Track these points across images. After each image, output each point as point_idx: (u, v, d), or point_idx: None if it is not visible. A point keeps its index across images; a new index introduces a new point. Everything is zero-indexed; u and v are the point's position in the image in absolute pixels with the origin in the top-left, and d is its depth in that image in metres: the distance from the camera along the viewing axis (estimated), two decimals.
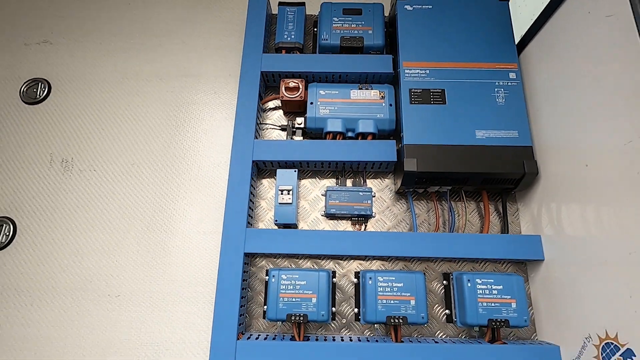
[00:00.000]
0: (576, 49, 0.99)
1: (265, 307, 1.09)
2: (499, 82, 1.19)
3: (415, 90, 1.19)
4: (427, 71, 1.22)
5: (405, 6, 1.30)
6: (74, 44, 1.55)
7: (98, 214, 1.31)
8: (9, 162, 1.38)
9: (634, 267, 0.78)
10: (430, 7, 1.29)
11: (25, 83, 1.49)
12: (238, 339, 1.03)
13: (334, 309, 1.12)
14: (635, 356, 0.78)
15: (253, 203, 1.24)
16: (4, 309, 1.21)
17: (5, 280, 1.24)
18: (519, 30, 1.30)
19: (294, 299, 1.06)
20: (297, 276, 1.08)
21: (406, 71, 1.22)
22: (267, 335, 1.10)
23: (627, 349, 0.79)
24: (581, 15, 0.96)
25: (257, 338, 1.06)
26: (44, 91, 1.47)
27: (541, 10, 1.13)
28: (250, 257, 1.20)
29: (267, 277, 1.11)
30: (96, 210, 1.32)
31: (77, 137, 1.41)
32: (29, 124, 1.43)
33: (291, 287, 1.07)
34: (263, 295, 1.16)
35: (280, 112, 1.39)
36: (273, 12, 1.49)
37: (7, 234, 1.29)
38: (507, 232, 1.20)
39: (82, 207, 1.32)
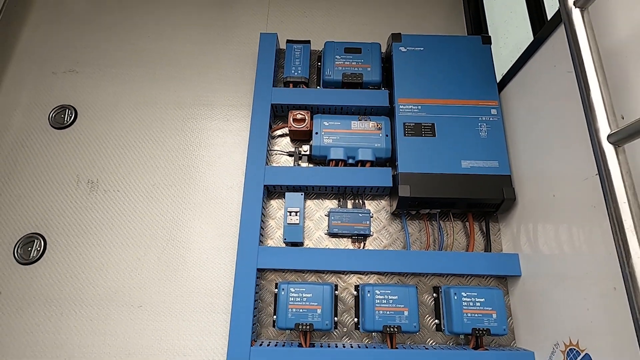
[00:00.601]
0: (545, 94, 1.16)
1: (275, 316, 1.23)
2: (482, 118, 1.36)
3: (409, 124, 1.35)
4: (419, 107, 1.38)
5: (400, 48, 1.46)
6: (98, 73, 1.70)
7: (122, 231, 1.44)
8: (39, 182, 1.51)
9: (590, 284, 0.94)
10: (422, 49, 1.46)
11: (53, 109, 1.63)
12: (251, 345, 1.16)
13: (336, 318, 1.26)
14: None
15: (264, 222, 1.39)
16: (36, 317, 1.33)
17: (37, 292, 1.36)
18: (500, 69, 1.47)
19: (301, 310, 1.20)
20: (304, 289, 1.22)
21: (401, 106, 1.38)
22: (277, 342, 1.23)
23: (586, 354, 0.94)
24: (549, 66, 1.12)
25: (268, 345, 1.19)
26: (71, 117, 1.61)
27: (517, 57, 1.30)
28: (261, 272, 1.33)
29: (276, 290, 1.25)
30: (120, 227, 1.45)
31: (102, 160, 1.55)
32: (57, 148, 1.57)
33: (299, 299, 1.21)
34: (273, 306, 1.30)
35: (288, 139, 1.54)
36: (281, 47, 1.65)
37: (38, 249, 1.41)
38: (490, 250, 1.35)
39: (107, 224, 1.45)
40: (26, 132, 1.59)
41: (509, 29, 1.54)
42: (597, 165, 0.70)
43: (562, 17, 0.79)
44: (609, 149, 0.68)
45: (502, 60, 1.54)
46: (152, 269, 1.39)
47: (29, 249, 1.41)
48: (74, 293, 1.36)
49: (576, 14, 0.77)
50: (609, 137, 0.68)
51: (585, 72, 0.73)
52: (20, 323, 1.32)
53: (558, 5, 1.07)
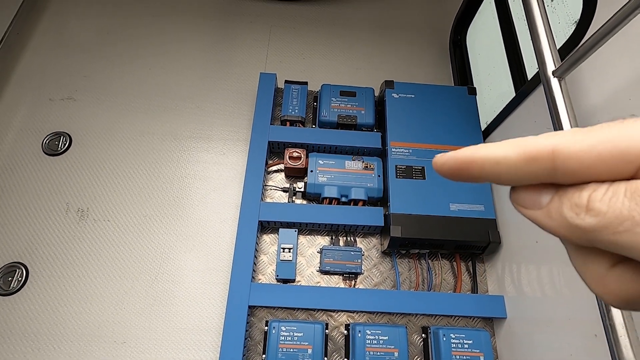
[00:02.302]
0: None
1: (264, 356, 1.21)
2: None
3: (400, 166, 1.42)
4: (410, 150, 1.45)
5: (393, 94, 1.56)
6: (96, 102, 1.72)
7: (109, 262, 1.41)
8: (26, 209, 1.48)
9: (572, 330, 0.98)
10: (412, 96, 1.56)
11: (47, 136, 1.62)
12: None
13: (326, 359, 1.25)
14: None
15: (256, 258, 1.39)
16: (10, 353, 1.26)
17: (14, 325, 1.30)
18: (484, 117, 1.57)
19: (292, 350, 1.19)
20: (295, 328, 1.22)
21: (393, 149, 1.45)
22: None
23: None
24: (529, 122, 1.22)
25: None
26: (65, 144, 1.61)
27: (501, 107, 1.41)
28: (251, 309, 1.32)
29: (266, 328, 1.24)
30: (107, 258, 1.42)
31: (94, 188, 1.54)
32: (49, 174, 1.55)
33: (289, 338, 1.20)
34: (262, 345, 1.28)
35: (282, 174, 1.58)
36: (279, 86, 1.72)
37: (20, 279, 1.36)
38: (477, 291, 1.39)
39: (94, 255, 1.42)
40: (17, 157, 1.58)
41: (492, 81, 1.67)
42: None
43: (543, 84, 0.88)
44: None
45: (487, 108, 1.65)
46: (138, 303, 1.36)
47: (9, 278, 1.36)
48: (54, 327, 1.31)
49: (554, 82, 0.86)
50: None
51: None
52: None
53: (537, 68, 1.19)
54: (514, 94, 1.35)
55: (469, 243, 1.33)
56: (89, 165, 1.58)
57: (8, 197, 1.50)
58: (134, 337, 1.31)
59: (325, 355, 1.25)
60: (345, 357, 1.27)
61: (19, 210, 1.48)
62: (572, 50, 1.02)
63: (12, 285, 1.35)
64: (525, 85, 1.27)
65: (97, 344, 1.29)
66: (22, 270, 1.38)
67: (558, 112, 0.84)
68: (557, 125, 0.83)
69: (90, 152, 1.61)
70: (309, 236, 1.47)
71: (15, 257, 1.40)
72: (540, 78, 0.90)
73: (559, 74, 0.86)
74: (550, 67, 0.88)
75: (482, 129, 1.53)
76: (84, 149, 1.61)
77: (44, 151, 1.59)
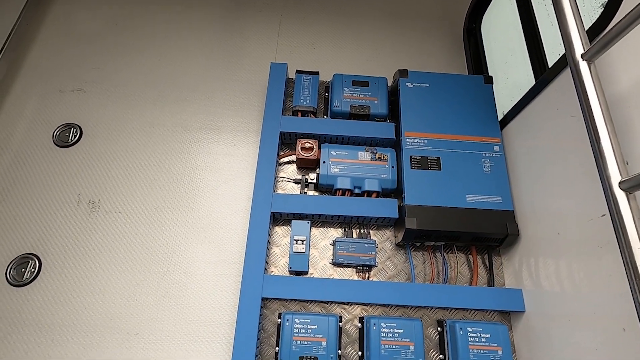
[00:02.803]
0: (547, 134, 1.21)
1: (278, 348, 1.20)
2: (485, 154, 1.40)
3: (415, 157, 1.39)
4: (425, 141, 1.42)
5: (407, 83, 1.52)
6: (106, 94, 1.70)
7: (121, 254, 1.41)
8: (38, 200, 1.48)
9: (598, 324, 0.95)
10: (427, 85, 1.52)
11: (58, 127, 1.61)
12: None
13: (340, 351, 1.24)
14: None
15: (268, 250, 1.37)
16: (25, 344, 1.27)
17: (28, 316, 1.30)
18: (501, 107, 1.53)
19: (305, 342, 1.17)
20: (308, 320, 1.20)
21: (407, 140, 1.41)
22: None
23: None
24: (552, 109, 1.18)
25: None
26: (75, 135, 1.60)
27: (519, 97, 1.36)
28: (264, 301, 1.31)
29: (279, 320, 1.23)
30: (119, 250, 1.42)
31: (105, 180, 1.53)
32: (60, 166, 1.54)
33: (303, 331, 1.19)
34: (275, 337, 1.27)
35: (294, 166, 1.55)
36: (290, 77, 1.69)
37: (33, 270, 1.36)
38: (493, 284, 1.36)
39: (106, 246, 1.42)
40: (28, 148, 1.57)
41: (509, 70, 1.62)
42: (609, 211, 0.73)
43: (570, 68, 0.84)
44: (620, 196, 0.71)
45: (503, 98, 1.60)
46: (150, 295, 1.35)
47: (23, 270, 1.36)
48: (67, 318, 1.31)
49: (584, 66, 0.82)
50: (620, 184, 0.72)
51: (594, 121, 0.78)
52: (8, 349, 1.26)
53: (559, 52, 1.14)
54: (534, 82, 1.31)
55: (486, 235, 1.30)
56: (99, 156, 1.57)
57: (20, 188, 1.50)
58: (146, 329, 1.30)
59: (340, 348, 1.24)
60: (359, 350, 1.25)
61: (31, 202, 1.48)
62: (599, 34, 0.98)
63: (25, 276, 1.35)
64: (546, 73, 1.22)
65: (110, 335, 1.29)
66: (35, 262, 1.38)
67: (587, 97, 0.80)
68: (587, 111, 0.79)
69: (101, 143, 1.60)
70: (321, 228, 1.45)
71: (28, 249, 1.40)
72: (568, 62, 0.86)
73: (589, 57, 0.82)
74: (579, 50, 0.84)
75: (499, 119, 1.48)
76: (95, 140, 1.60)
77: (54, 143, 1.59)
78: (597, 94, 0.79)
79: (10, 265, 1.37)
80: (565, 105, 1.11)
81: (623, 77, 0.91)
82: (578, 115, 1.05)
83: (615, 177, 0.73)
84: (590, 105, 0.79)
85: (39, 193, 1.50)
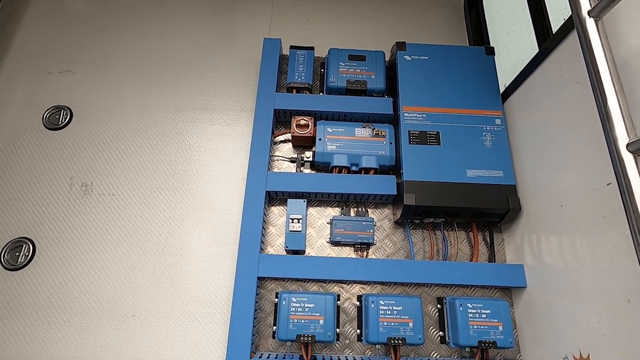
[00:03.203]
0: (550, 104, 1.16)
1: (275, 327, 1.18)
2: (486, 127, 1.35)
3: (414, 132, 1.34)
4: (424, 115, 1.37)
5: (405, 56, 1.46)
6: (95, 74, 1.66)
7: (115, 237, 1.39)
8: (30, 184, 1.45)
9: (601, 297, 0.92)
10: (426, 58, 1.46)
11: (48, 109, 1.58)
12: (251, 357, 1.11)
13: (338, 330, 1.22)
14: None
15: (264, 229, 1.35)
16: (21, 327, 1.26)
17: (24, 299, 1.29)
18: (502, 80, 1.47)
19: (303, 321, 1.16)
20: (305, 299, 1.18)
21: (405, 114, 1.37)
22: (277, 354, 1.18)
23: None
24: (555, 77, 1.13)
25: (268, 357, 1.14)
26: (66, 118, 1.56)
27: (522, 67, 1.31)
28: (261, 281, 1.29)
29: (276, 300, 1.21)
30: (114, 232, 1.40)
31: (97, 163, 1.50)
32: (51, 149, 1.51)
33: (300, 310, 1.17)
34: (272, 317, 1.25)
35: (290, 145, 1.51)
36: (284, 53, 1.63)
37: (27, 254, 1.35)
38: (494, 261, 1.34)
39: (100, 229, 1.40)
40: (19, 132, 1.54)
41: (511, 40, 1.56)
42: (615, 175, 0.69)
43: (576, 26, 0.79)
44: (628, 158, 0.67)
45: (505, 71, 1.55)
46: (146, 277, 1.34)
47: (17, 254, 1.35)
48: (63, 301, 1.30)
49: (590, 23, 0.77)
50: (628, 145, 0.68)
51: (601, 81, 0.73)
52: (4, 332, 1.25)
53: (564, 17, 1.09)
54: (537, 51, 1.25)
55: (487, 211, 1.26)
56: (91, 139, 1.54)
57: (12, 172, 1.47)
58: (143, 310, 1.29)
59: (338, 326, 1.22)
60: (358, 328, 1.24)
61: (23, 186, 1.45)
62: None
63: (19, 260, 1.34)
64: (550, 39, 1.17)
65: (107, 317, 1.28)
66: (29, 246, 1.36)
67: (594, 56, 0.75)
68: (593, 70, 0.74)
69: (92, 125, 1.56)
70: (318, 207, 1.42)
71: (21, 233, 1.39)
72: (574, 20, 0.81)
73: (596, 13, 0.77)
74: (586, 6, 0.78)
75: (501, 92, 1.43)
76: (85, 122, 1.57)
77: (45, 126, 1.55)
78: (604, 52, 0.74)
79: (4, 250, 1.35)
80: (570, 71, 1.06)
81: (632, 37, 0.86)
82: (583, 82, 1.00)
83: (622, 139, 0.69)
84: (596, 64, 0.74)
85: (31, 177, 1.47)
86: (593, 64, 0.75)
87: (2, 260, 1.34)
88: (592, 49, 0.75)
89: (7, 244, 1.36)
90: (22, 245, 1.36)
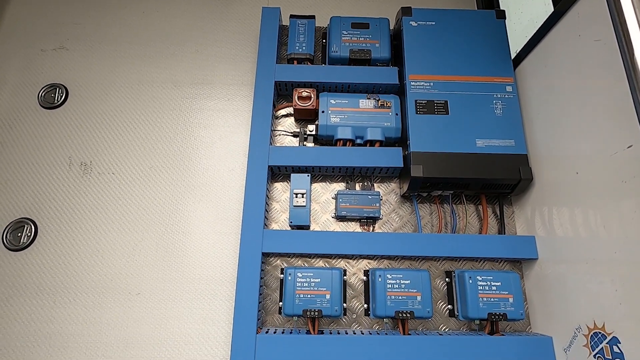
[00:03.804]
0: (567, 66, 1.09)
1: (281, 303, 1.17)
2: (496, 95, 1.29)
3: (421, 101, 1.29)
4: (431, 83, 1.31)
5: (411, 22, 1.39)
6: (90, 51, 1.60)
7: (117, 215, 1.37)
8: (28, 164, 1.43)
9: (618, 265, 0.88)
10: (433, 23, 1.39)
11: (43, 88, 1.53)
12: (257, 333, 1.10)
13: (345, 304, 1.21)
14: (620, 343, 0.88)
15: (268, 205, 1.32)
16: (27, 307, 1.26)
17: (28, 280, 1.29)
18: (514, 46, 1.40)
19: (309, 296, 1.14)
20: (311, 274, 1.16)
21: (412, 83, 1.31)
22: (283, 329, 1.17)
23: (613, 337, 0.89)
24: (572, 37, 1.06)
25: (274, 332, 1.13)
26: (61, 96, 1.52)
27: (535, 30, 1.23)
28: (266, 257, 1.27)
29: (282, 275, 1.19)
30: (115, 211, 1.37)
31: (96, 141, 1.46)
32: (48, 128, 1.48)
33: (306, 285, 1.15)
34: (278, 293, 1.24)
35: (292, 119, 1.46)
36: (284, 24, 1.56)
37: (29, 234, 1.34)
38: (504, 233, 1.30)
39: (101, 208, 1.38)
40: (14, 112, 1.50)
41: (524, 3, 1.47)
42: None
43: None
44: None
45: (516, 36, 1.47)
46: (150, 255, 1.32)
47: (19, 234, 1.34)
48: (68, 280, 1.29)
49: None
50: None
51: (628, 31, 0.67)
52: (10, 312, 1.25)
53: None
54: (552, 12, 1.17)
55: (498, 181, 1.22)
56: (88, 117, 1.50)
57: (10, 153, 1.44)
58: (148, 288, 1.28)
59: (345, 301, 1.21)
60: (365, 303, 1.22)
61: (22, 166, 1.43)
62: None
63: (22, 240, 1.33)
64: None
65: (112, 296, 1.27)
66: (31, 226, 1.35)
67: (621, 6, 0.69)
68: (620, 25, 0.68)
69: (88, 103, 1.52)
70: (322, 182, 1.38)
71: (22, 213, 1.37)
72: None
73: None
74: None
75: (512, 58, 1.36)
76: (82, 100, 1.52)
77: (40, 104, 1.51)
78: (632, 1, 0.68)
79: (6, 230, 1.34)
80: (589, 29, 0.99)
81: None
82: (604, 39, 0.93)
83: None
84: (623, 13, 0.68)
85: (29, 157, 1.44)
86: (620, 13, 0.69)
87: (5, 240, 1.33)
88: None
89: (9, 224, 1.35)
90: (24, 226, 1.35)
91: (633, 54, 0.66)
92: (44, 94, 1.53)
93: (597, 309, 0.94)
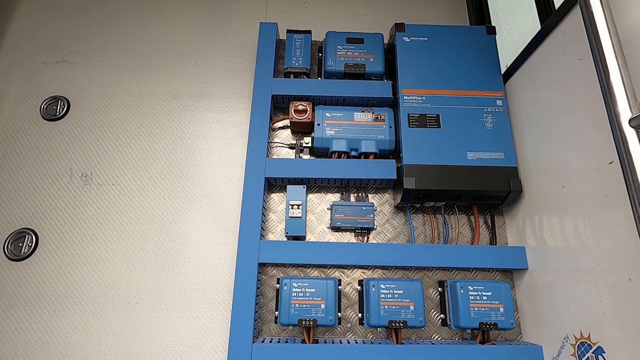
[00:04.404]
0: (553, 82, 1.13)
1: (277, 312, 1.19)
2: (487, 109, 1.33)
3: (413, 115, 1.32)
4: (424, 97, 1.35)
5: (404, 38, 1.43)
6: (91, 64, 1.64)
7: (117, 226, 1.39)
8: (30, 175, 1.46)
9: (603, 275, 0.91)
10: (425, 39, 1.43)
11: (45, 100, 1.57)
12: (253, 342, 1.12)
13: (339, 314, 1.23)
14: (604, 353, 0.90)
15: (264, 216, 1.35)
16: (28, 316, 1.28)
17: (29, 289, 1.31)
18: (504, 61, 1.44)
19: (304, 305, 1.16)
20: (307, 284, 1.19)
21: (405, 97, 1.35)
22: (279, 339, 1.20)
23: (598, 346, 0.92)
24: (558, 55, 1.10)
25: (270, 341, 1.15)
26: (63, 108, 1.56)
27: (524, 47, 1.28)
28: (262, 267, 1.29)
29: (278, 285, 1.22)
30: (115, 222, 1.40)
31: (96, 152, 1.50)
32: (49, 140, 1.51)
33: (302, 294, 1.17)
34: (274, 302, 1.26)
35: (288, 131, 1.50)
36: (281, 38, 1.61)
37: (30, 244, 1.36)
38: (496, 243, 1.33)
39: (101, 219, 1.40)
40: (17, 123, 1.53)
41: (513, 19, 1.52)
42: (617, 151, 0.67)
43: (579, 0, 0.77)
44: (630, 134, 0.65)
45: (506, 51, 1.51)
46: (148, 265, 1.35)
47: (20, 244, 1.36)
48: (67, 290, 1.31)
49: None
50: (630, 121, 0.66)
51: (603, 54, 0.71)
52: (11, 321, 1.27)
53: None
54: (539, 29, 1.22)
55: (488, 193, 1.25)
56: (88, 129, 1.53)
57: (12, 164, 1.47)
58: (146, 298, 1.31)
59: (339, 311, 1.23)
60: (359, 312, 1.25)
61: (24, 177, 1.46)
62: None
63: (23, 250, 1.35)
64: (552, 16, 1.13)
65: (111, 305, 1.30)
66: (32, 236, 1.37)
67: (597, 31, 0.73)
68: (596, 45, 0.72)
69: (89, 115, 1.55)
70: (318, 193, 1.41)
71: (23, 224, 1.39)
72: None
73: None
74: None
75: (502, 72, 1.40)
76: (83, 112, 1.56)
77: (42, 116, 1.55)
78: (607, 24, 0.72)
79: (8, 240, 1.37)
80: (574, 48, 1.03)
81: (636, 11, 0.83)
82: (587, 58, 0.97)
83: (625, 114, 0.67)
84: (599, 37, 0.72)
85: (31, 168, 1.47)
86: (595, 37, 0.73)
87: (7, 251, 1.35)
88: (595, 22, 0.73)
89: (10, 234, 1.37)
90: (25, 236, 1.37)
91: (609, 77, 0.70)
92: (46, 106, 1.56)
93: (584, 318, 0.97)
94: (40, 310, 1.29)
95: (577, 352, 0.98)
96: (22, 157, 1.49)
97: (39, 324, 1.27)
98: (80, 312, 1.29)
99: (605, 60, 0.70)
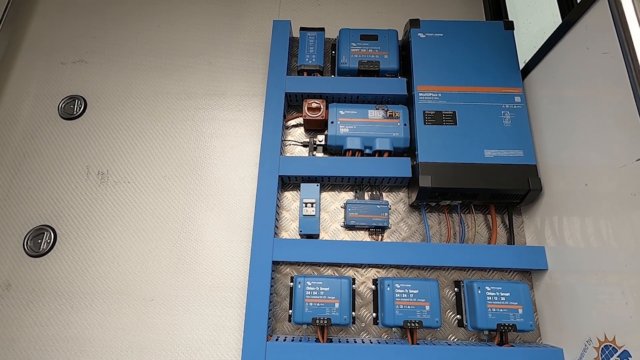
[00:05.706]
0: (575, 78, 1.10)
1: (291, 311, 1.19)
2: (505, 105, 1.30)
3: (429, 112, 1.30)
4: (440, 94, 1.32)
5: (419, 34, 1.41)
6: (108, 63, 1.66)
7: (133, 223, 1.41)
8: (48, 173, 1.48)
9: (629, 277, 0.88)
10: (441, 35, 1.41)
11: (63, 100, 1.60)
12: (267, 340, 1.12)
13: (354, 313, 1.22)
14: (631, 357, 0.87)
15: (278, 214, 1.34)
16: (46, 311, 1.30)
17: (47, 285, 1.33)
18: (522, 56, 1.41)
19: (318, 304, 1.15)
20: (321, 283, 1.18)
21: (420, 94, 1.33)
22: (293, 337, 1.19)
23: (624, 350, 0.89)
24: (580, 49, 1.07)
25: (284, 340, 1.15)
26: (80, 107, 1.58)
27: (544, 41, 1.24)
28: (276, 265, 1.29)
29: (292, 284, 1.21)
30: (131, 219, 1.42)
31: (112, 151, 1.52)
32: (67, 138, 1.53)
33: (316, 293, 1.17)
34: (288, 301, 1.26)
35: (302, 129, 1.49)
36: (294, 36, 1.60)
37: (48, 241, 1.39)
38: (513, 243, 1.30)
39: (117, 216, 1.42)
40: (35, 122, 1.56)
41: (532, 14, 1.48)
42: None
43: None
44: None
45: (525, 46, 1.48)
46: (164, 262, 1.36)
47: (39, 241, 1.39)
48: (85, 286, 1.33)
49: None
50: None
51: (633, 47, 0.68)
52: (30, 316, 1.30)
53: None
54: (560, 23, 1.18)
55: (506, 192, 1.22)
56: (105, 127, 1.55)
57: (31, 162, 1.50)
58: (161, 295, 1.32)
59: (353, 310, 1.22)
60: (374, 312, 1.23)
61: (43, 175, 1.48)
62: None
63: (42, 247, 1.38)
64: (574, 9, 1.10)
65: (127, 301, 1.31)
66: (50, 233, 1.40)
67: (626, 22, 0.70)
68: (625, 38, 0.69)
69: (106, 114, 1.57)
70: (332, 192, 1.40)
71: (42, 220, 1.42)
72: None
73: None
74: None
75: (521, 68, 1.37)
76: (100, 111, 1.58)
77: (60, 115, 1.57)
78: (637, 14, 0.69)
79: (27, 237, 1.39)
80: (597, 42, 1.00)
81: None
82: (612, 52, 0.94)
83: None
84: (628, 30, 0.69)
85: (49, 166, 1.50)
86: (625, 29, 0.70)
87: (26, 247, 1.38)
88: (624, 13, 0.70)
89: (29, 231, 1.40)
90: (44, 233, 1.40)
91: (639, 70, 0.67)
92: (64, 105, 1.59)
93: (608, 321, 0.94)
94: (59, 305, 1.31)
95: (601, 356, 0.95)
96: (40, 155, 1.51)
97: (57, 319, 1.29)
98: (97, 307, 1.31)
99: (635, 53, 0.68)
